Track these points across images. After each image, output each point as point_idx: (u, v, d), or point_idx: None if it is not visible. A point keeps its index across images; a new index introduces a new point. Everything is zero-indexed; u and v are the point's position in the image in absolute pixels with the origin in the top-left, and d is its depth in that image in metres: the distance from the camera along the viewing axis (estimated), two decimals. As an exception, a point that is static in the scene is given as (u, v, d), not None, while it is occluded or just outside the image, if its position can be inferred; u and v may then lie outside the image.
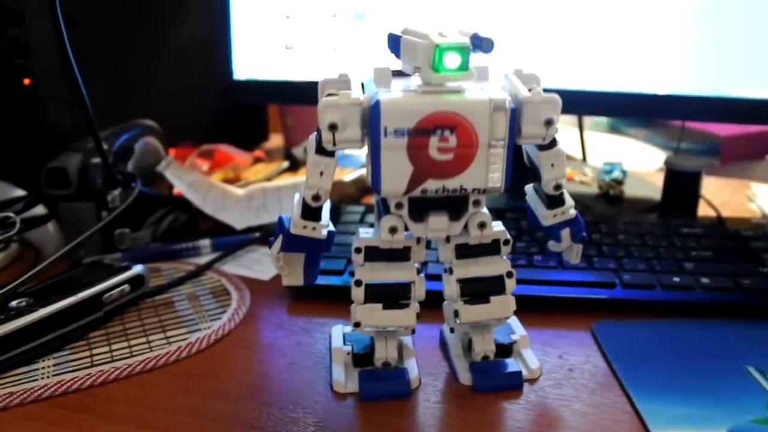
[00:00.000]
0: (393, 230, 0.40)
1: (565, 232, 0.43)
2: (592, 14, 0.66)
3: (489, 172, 0.38)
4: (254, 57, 0.73)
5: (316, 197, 0.39)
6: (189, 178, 0.70)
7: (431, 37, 0.37)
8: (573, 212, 0.42)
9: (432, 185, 0.38)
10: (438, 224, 0.40)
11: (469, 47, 0.37)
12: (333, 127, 0.37)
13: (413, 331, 0.44)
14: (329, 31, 0.71)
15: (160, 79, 0.82)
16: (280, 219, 0.41)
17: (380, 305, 0.41)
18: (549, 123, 0.38)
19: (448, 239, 0.42)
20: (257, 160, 0.89)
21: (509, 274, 0.42)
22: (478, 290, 0.42)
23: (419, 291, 0.42)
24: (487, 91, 0.38)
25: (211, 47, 0.77)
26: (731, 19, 0.64)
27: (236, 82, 0.75)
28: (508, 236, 0.42)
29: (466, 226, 0.41)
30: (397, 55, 0.40)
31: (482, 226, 0.41)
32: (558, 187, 0.41)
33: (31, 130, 0.67)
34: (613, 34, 0.67)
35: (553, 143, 0.39)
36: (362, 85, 0.40)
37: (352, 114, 0.37)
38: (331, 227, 0.41)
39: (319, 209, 0.40)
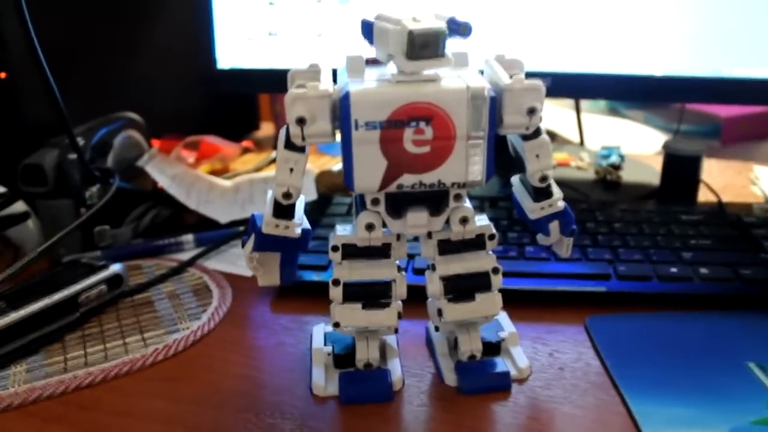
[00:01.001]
0: (370, 227, 0.38)
1: (554, 225, 0.41)
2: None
3: (469, 164, 0.36)
4: (238, 45, 0.71)
5: (287, 195, 0.37)
6: (172, 171, 0.68)
7: (404, 23, 0.34)
8: (561, 204, 0.40)
9: (408, 180, 0.36)
10: (417, 220, 0.38)
11: (445, 32, 0.35)
12: (301, 121, 0.35)
13: (396, 331, 0.42)
14: (314, 17, 0.69)
15: (145, 70, 0.80)
16: (253, 217, 0.39)
17: (359, 305, 0.40)
18: (532, 112, 0.36)
19: (429, 235, 0.40)
20: (246, 151, 0.87)
21: (495, 270, 0.40)
22: (462, 288, 0.40)
23: (400, 289, 0.40)
24: (465, 78, 0.35)
25: (194, 36, 0.75)
26: (731, -4, 0.61)
27: (220, 71, 0.72)
28: (493, 230, 0.40)
29: (448, 221, 0.39)
30: (371, 43, 0.38)
31: (464, 221, 0.39)
32: (544, 178, 0.38)
33: (8, 124, 0.65)
34: (610, 14, 0.64)
35: (537, 133, 0.37)
36: (335, 73, 0.38)
37: (321, 107, 0.35)
38: (306, 225, 0.39)
39: (292, 207, 0.38)
